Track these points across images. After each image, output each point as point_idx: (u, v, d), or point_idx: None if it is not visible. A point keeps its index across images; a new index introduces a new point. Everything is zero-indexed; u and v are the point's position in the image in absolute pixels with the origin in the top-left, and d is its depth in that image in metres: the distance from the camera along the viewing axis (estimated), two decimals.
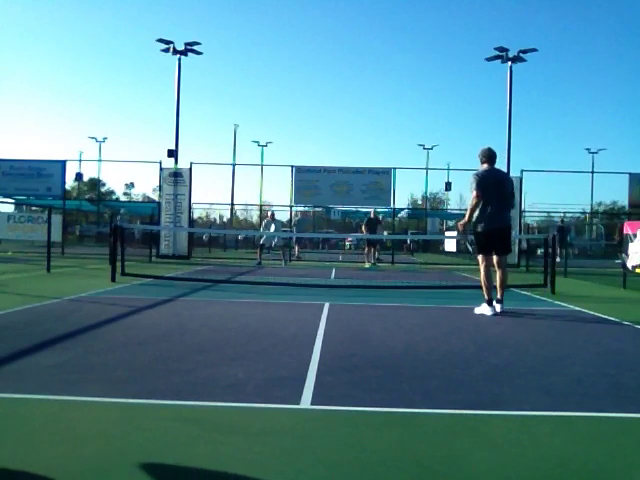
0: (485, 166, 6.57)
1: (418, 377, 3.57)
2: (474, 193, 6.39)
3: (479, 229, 6.49)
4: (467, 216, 6.59)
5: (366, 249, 16.92)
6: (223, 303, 7.16)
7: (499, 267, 6.66)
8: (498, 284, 6.63)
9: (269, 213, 16.91)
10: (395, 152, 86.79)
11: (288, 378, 3.42)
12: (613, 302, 8.43)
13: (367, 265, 16.17)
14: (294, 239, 20.69)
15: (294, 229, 20.43)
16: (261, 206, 36.27)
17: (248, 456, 2.24)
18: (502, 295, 6.62)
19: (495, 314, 6.41)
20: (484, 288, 6.58)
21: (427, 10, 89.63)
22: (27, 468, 2.09)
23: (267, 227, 16.19)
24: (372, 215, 16.94)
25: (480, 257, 6.69)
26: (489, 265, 6.66)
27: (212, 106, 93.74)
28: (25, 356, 3.87)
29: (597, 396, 3.23)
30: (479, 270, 6.74)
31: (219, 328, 5.18)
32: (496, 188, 6.45)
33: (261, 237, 16.75)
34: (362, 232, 17.86)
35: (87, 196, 42.36)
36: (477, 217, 6.47)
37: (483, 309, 6.52)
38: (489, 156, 6.58)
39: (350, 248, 36.06)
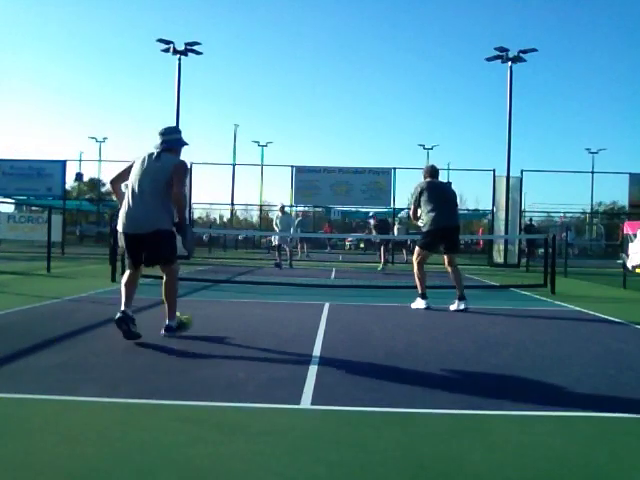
0: (429, 178, 7.05)
1: (418, 377, 3.57)
2: (412, 200, 6.96)
3: (426, 228, 6.81)
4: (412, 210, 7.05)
5: (382, 249, 15.19)
6: (223, 303, 7.16)
7: (451, 266, 6.92)
8: (455, 283, 6.85)
9: (280, 207, 15.16)
10: (395, 152, 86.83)
11: (288, 378, 3.42)
12: (613, 302, 8.42)
13: (380, 267, 14.68)
14: (298, 239, 20.73)
15: (297, 229, 20.47)
16: (261, 206, 36.28)
17: (248, 456, 2.24)
18: (462, 292, 6.77)
19: (428, 307, 6.70)
20: (418, 282, 6.88)
21: (427, 10, 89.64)
22: (27, 468, 2.09)
23: (282, 223, 14.45)
24: (375, 222, 15.68)
25: (418, 250, 6.98)
26: (424, 261, 6.98)
27: (212, 106, 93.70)
28: (25, 356, 3.87)
29: (597, 396, 3.23)
30: (413, 265, 7.06)
31: (219, 328, 5.18)
32: (438, 194, 6.85)
33: (275, 238, 15.14)
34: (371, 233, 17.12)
35: (87, 196, 42.33)
36: (424, 221, 6.82)
37: (418, 303, 6.80)
38: (432, 172, 7.09)
39: (350, 248, 36.05)
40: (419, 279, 6.89)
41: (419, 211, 6.90)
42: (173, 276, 4.56)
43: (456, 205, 7.25)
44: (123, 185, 4.65)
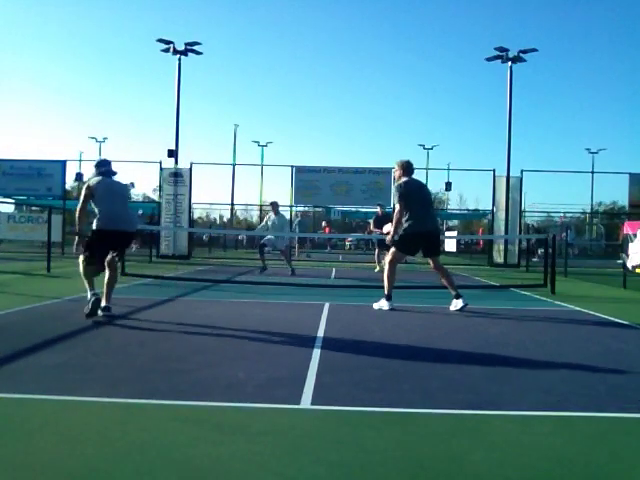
0: (404, 178, 6.78)
1: (418, 377, 3.57)
2: (399, 205, 6.61)
3: (406, 231, 6.58)
4: (394, 229, 6.68)
5: (377, 250, 13.76)
6: (223, 303, 7.16)
7: (438, 269, 6.80)
8: (447, 284, 6.74)
9: (272, 205, 12.68)
10: (395, 152, 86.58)
11: (288, 378, 3.42)
12: (613, 302, 8.43)
13: (377, 269, 13.07)
14: (296, 239, 20.71)
15: (296, 230, 20.47)
16: (261, 206, 36.28)
17: (248, 456, 2.24)
18: (457, 290, 6.69)
19: (392, 309, 6.56)
20: (386, 283, 6.72)
21: (427, 10, 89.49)
22: (27, 468, 2.09)
23: (274, 226, 12.17)
24: (380, 211, 13.79)
25: (393, 252, 6.78)
26: (397, 263, 6.90)
27: (212, 106, 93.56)
28: (25, 356, 3.87)
29: (597, 396, 3.23)
30: (385, 264, 6.94)
31: (219, 328, 5.17)
32: (418, 196, 6.71)
33: (262, 236, 12.70)
34: (369, 231, 16.01)
35: None
36: (404, 221, 6.59)
37: (382, 304, 6.65)
38: (408, 169, 6.80)
39: (350, 248, 36.07)
40: (388, 280, 6.68)
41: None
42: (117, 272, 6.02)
43: (432, 205, 7.03)
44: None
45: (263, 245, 12.41)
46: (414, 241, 6.67)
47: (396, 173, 6.94)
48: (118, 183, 6.01)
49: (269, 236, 12.12)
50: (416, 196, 6.64)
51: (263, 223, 13.28)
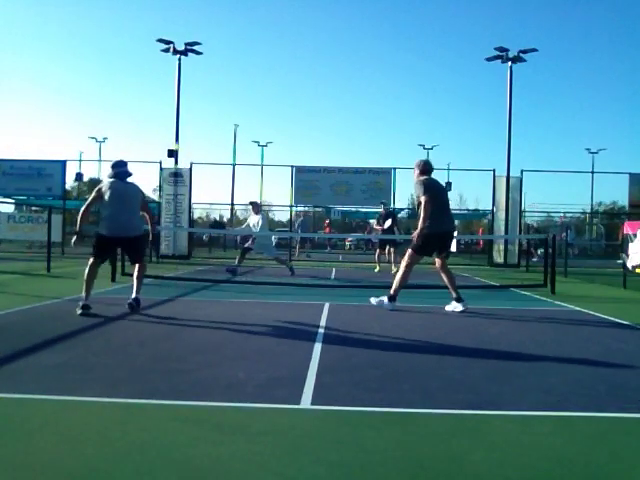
0: (424, 176, 6.69)
1: (418, 377, 3.57)
2: (425, 198, 6.39)
3: (426, 230, 6.41)
4: (421, 225, 6.44)
5: (378, 251, 13.75)
6: (223, 303, 7.16)
7: (444, 270, 6.71)
8: (450, 284, 6.69)
9: (252, 205, 12.21)
10: (395, 152, 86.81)
11: (288, 378, 3.42)
12: (613, 302, 8.42)
13: (377, 269, 13.40)
14: (297, 240, 20.72)
15: (298, 230, 20.48)
16: (261, 206, 36.27)
17: (248, 456, 2.24)
18: (458, 293, 6.66)
19: (393, 310, 6.51)
20: (398, 283, 6.57)
21: (427, 10, 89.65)
22: (27, 468, 2.09)
23: (254, 226, 11.57)
24: (383, 210, 13.64)
25: (411, 253, 6.59)
26: (414, 264, 6.72)
27: (212, 106, 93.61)
28: (25, 356, 3.87)
29: (597, 396, 3.23)
30: (402, 266, 6.74)
31: (219, 328, 5.18)
32: (440, 194, 6.69)
33: (248, 238, 12.19)
34: (369, 230, 15.81)
35: (87, 196, 42.30)
36: (421, 223, 6.46)
37: (384, 301, 6.60)
38: (427, 168, 6.73)
39: (350, 248, 36.08)
40: (401, 281, 6.55)
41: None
42: (145, 267, 6.33)
43: (449, 205, 7.04)
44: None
45: (248, 249, 11.95)
46: (432, 242, 6.53)
47: (415, 173, 6.81)
48: (131, 185, 6.08)
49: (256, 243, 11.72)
50: (437, 195, 6.52)
51: (245, 225, 12.79)
